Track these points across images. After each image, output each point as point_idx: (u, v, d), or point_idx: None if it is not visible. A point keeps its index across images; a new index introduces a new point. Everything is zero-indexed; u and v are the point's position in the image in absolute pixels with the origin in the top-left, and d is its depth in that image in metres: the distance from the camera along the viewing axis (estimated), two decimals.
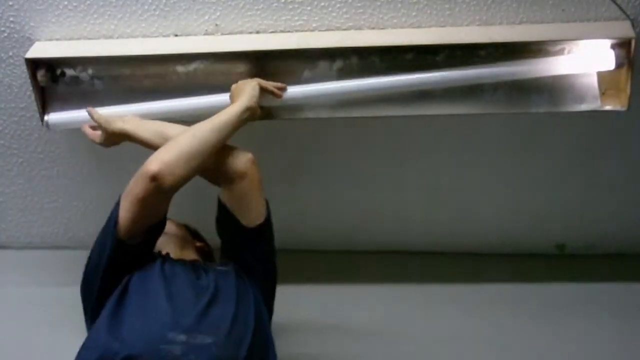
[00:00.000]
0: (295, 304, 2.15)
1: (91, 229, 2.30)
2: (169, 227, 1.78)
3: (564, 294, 2.13)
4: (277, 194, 2.18)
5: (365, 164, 2.10)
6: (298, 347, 2.00)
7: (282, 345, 2.02)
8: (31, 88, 1.87)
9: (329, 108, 1.82)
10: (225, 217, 1.65)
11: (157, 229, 1.64)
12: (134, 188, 1.53)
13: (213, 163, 1.61)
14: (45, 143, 2.10)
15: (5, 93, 1.98)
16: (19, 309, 2.09)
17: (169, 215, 1.66)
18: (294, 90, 1.78)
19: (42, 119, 1.90)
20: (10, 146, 2.12)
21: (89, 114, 1.79)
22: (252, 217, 1.64)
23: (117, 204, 1.56)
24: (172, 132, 1.66)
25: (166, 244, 1.75)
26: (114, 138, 1.76)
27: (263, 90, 1.73)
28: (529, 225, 2.20)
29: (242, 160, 1.62)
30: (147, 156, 1.55)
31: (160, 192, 1.52)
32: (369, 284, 2.20)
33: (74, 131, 2.06)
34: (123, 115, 1.78)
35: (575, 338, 1.99)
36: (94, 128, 1.81)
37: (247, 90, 1.70)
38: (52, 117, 1.88)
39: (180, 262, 1.66)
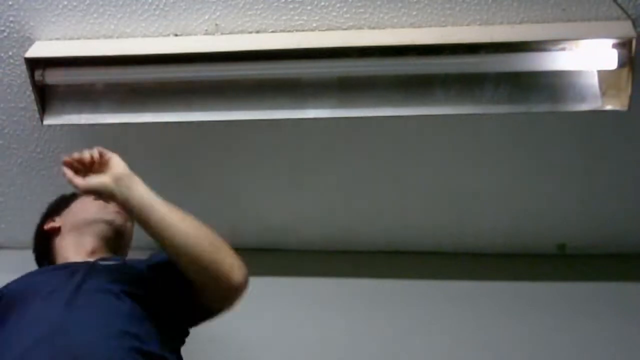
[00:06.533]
0: (295, 303, 2.15)
1: None
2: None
3: (565, 294, 2.12)
4: (277, 193, 2.19)
5: (366, 163, 2.09)
6: (297, 345, 2.01)
7: (282, 343, 2.03)
8: (31, 88, 1.87)
9: (329, 108, 1.81)
10: (184, 292, 1.42)
11: None
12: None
13: (206, 265, 1.38)
14: (44, 143, 2.10)
15: (5, 92, 1.98)
16: None
17: None
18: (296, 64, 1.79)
19: (41, 119, 1.90)
20: (9, 146, 2.12)
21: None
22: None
23: None
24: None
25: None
26: None
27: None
28: (530, 225, 2.19)
29: (241, 273, 1.39)
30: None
31: None
32: (369, 284, 2.20)
33: (73, 130, 2.06)
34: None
35: (575, 337, 2.00)
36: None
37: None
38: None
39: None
